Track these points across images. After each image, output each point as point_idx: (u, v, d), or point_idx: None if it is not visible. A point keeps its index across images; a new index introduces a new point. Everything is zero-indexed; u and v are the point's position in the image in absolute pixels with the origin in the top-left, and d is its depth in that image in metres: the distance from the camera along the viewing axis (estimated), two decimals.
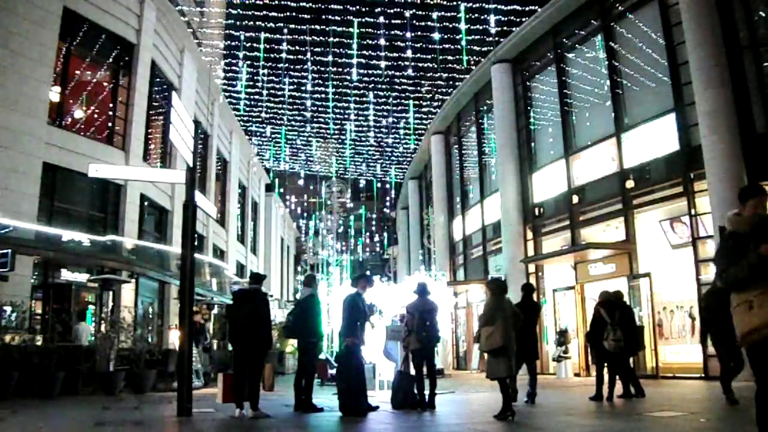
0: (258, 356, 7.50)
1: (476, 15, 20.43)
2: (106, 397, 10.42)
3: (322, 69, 24.53)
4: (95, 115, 17.33)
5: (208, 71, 24.62)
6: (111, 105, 17.51)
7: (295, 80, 25.04)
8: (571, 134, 17.34)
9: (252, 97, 26.41)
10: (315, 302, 8.21)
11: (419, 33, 21.50)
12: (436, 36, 20.88)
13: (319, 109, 27.34)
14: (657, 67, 14.40)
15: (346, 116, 28.10)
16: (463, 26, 20.33)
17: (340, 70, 24.26)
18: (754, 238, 3.39)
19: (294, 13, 21.75)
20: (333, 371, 9.35)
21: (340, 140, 31.83)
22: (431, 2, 20.85)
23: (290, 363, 18.93)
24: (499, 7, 20.07)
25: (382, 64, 22.98)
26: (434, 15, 20.63)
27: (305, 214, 50.35)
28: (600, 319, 9.01)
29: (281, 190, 41.64)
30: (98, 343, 12.14)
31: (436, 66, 22.61)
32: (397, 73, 24.12)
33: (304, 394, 8.02)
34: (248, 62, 23.40)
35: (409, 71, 23.52)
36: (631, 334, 9.31)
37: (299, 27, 22.49)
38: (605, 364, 9.07)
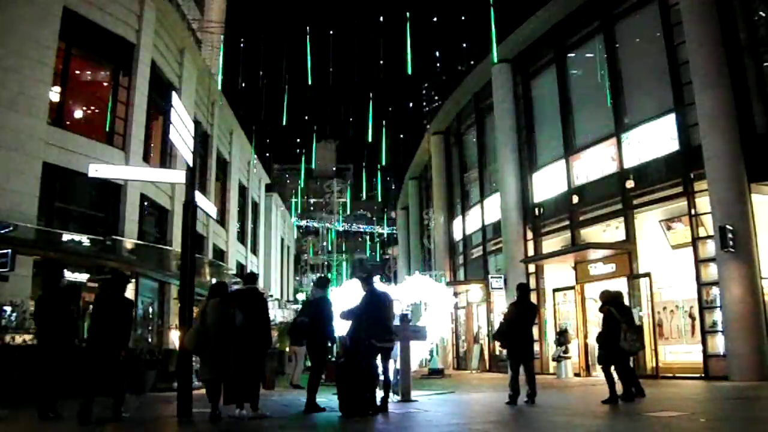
0: (258, 356, 7.50)
1: (476, 15, 20.44)
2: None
3: (323, 69, 24.56)
4: (95, 115, 17.32)
5: (208, 71, 24.62)
6: (111, 105, 17.50)
7: (295, 80, 25.05)
8: (571, 134, 17.33)
9: (252, 97, 26.40)
10: (328, 304, 8.19)
11: (419, 33, 21.51)
12: (436, 36, 20.86)
13: (320, 108, 27.35)
14: (657, 67, 14.39)
15: (346, 115, 28.12)
16: (462, 26, 20.34)
17: (340, 69, 24.28)
18: None
19: (294, 13, 21.77)
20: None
21: (340, 140, 31.84)
22: (431, 2, 20.85)
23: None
24: (499, 7, 20.07)
25: (382, 63, 22.99)
26: (434, 15, 20.64)
27: (305, 214, 50.42)
28: (612, 318, 8.55)
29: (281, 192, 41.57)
30: None
31: (436, 66, 22.57)
32: (397, 73, 24.14)
33: (308, 392, 8.02)
34: (248, 62, 23.41)
35: (409, 71, 23.50)
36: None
37: (299, 27, 22.51)
38: (618, 364, 8.57)
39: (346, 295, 12.45)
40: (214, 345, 7.09)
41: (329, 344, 8.20)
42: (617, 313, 8.52)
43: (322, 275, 11.71)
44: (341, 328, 8.26)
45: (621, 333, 8.38)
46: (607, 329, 8.60)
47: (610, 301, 8.81)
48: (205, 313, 7.26)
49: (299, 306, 40.67)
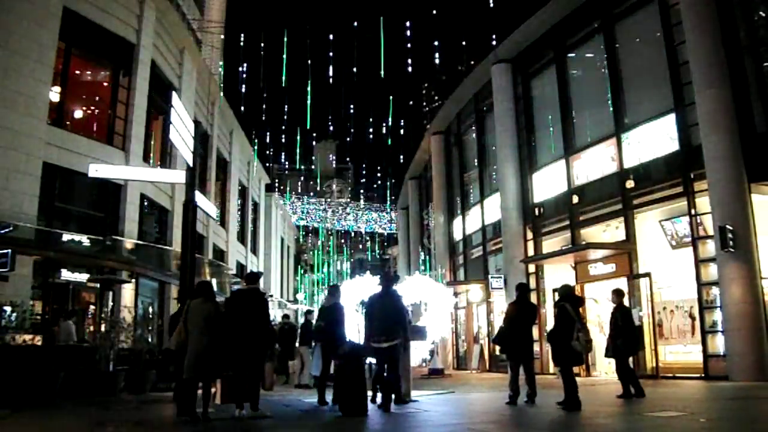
0: (258, 356, 7.50)
1: (476, 15, 20.44)
2: (106, 397, 10.41)
3: (322, 69, 24.59)
4: (95, 115, 17.34)
5: (208, 71, 24.63)
6: (111, 105, 17.51)
7: (295, 80, 25.08)
8: (571, 134, 17.32)
9: (252, 97, 26.46)
10: (340, 309, 8.87)
11: (420, 32, 21.53)
12: (437, 36, 20.89)
13: (319, 108, 27.39)
14: (657, 67, 14.38)
15: (346, 116, 28.16)
16: (463, 26, 20.35)
17: (340, 69, 24.31)
18: None
19: (294, 13, 21.80)
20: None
21: (340, 140, 31.89)
22: (431, 2, 20.87)
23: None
24: (499, 7, 20.08)
25: (383, 63, 23.02)
26: (434, 15, 20.64)
27: (305, 214, 50.47)
28: (566, 316, 7.97)
29: (281, 189, 41.62)
30: (98, 343, 12.14)
31: (435, 66, 22.59)
32: (397, 73, 24.16)
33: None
34: (248, 62, 23.43)
35: (409, 71, 23.55)
36: (630, 334, 9.30)
37: (299, 27, 22.54)
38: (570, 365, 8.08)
39: (346, 294, 12.47)
40: (196, 345, 7.08)
41: (340, 345, 8.40)
42: (572, 311, 7.95)
43: (334, 284, 12.63)
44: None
45: (574, 332, 7.83)
46: (558, 327, 8.05)
47: (566, 298, 8.26)
48: (187, 313, 7.23)
49: (299, 307, 40.76)
